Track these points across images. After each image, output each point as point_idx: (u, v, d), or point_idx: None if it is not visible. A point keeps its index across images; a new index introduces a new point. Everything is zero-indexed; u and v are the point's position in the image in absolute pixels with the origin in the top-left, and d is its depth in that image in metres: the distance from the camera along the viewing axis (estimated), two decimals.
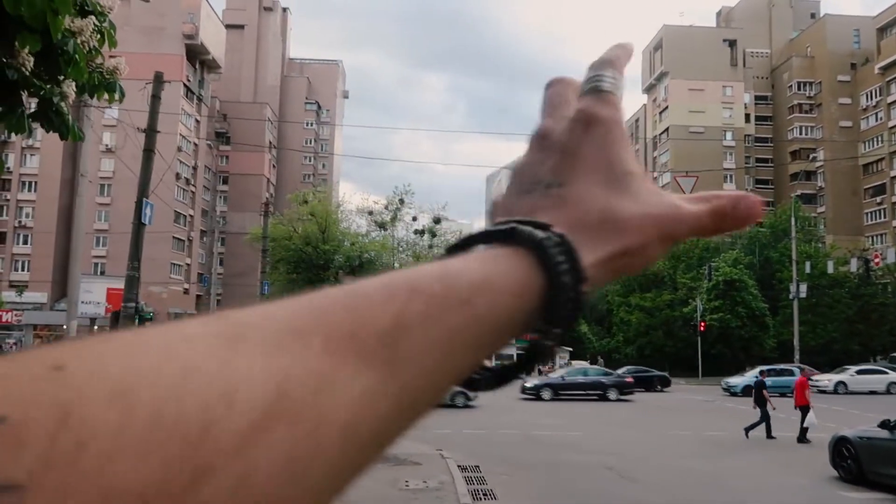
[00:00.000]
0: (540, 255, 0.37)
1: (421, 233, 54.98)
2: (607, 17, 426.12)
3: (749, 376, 33.83)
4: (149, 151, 20.16)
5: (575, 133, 0.44)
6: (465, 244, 0.40)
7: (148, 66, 20.31)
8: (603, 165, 0.43)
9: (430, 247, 54.94)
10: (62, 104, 4.88)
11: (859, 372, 35.05)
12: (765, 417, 16.91)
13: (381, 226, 54.36)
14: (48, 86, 4.87)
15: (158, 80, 20.88)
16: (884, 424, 10.85)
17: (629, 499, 9.65)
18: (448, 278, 0.34)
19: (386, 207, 54.88)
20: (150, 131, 20.26)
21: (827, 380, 34.67)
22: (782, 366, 36.35)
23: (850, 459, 11.25)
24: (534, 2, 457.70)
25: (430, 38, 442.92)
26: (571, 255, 0.37)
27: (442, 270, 0.35)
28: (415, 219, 54.87)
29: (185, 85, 67.69)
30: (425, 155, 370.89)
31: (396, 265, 54.29)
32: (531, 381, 30.59)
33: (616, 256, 0.41)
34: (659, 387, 36.89)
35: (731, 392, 34.34)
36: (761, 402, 17.48)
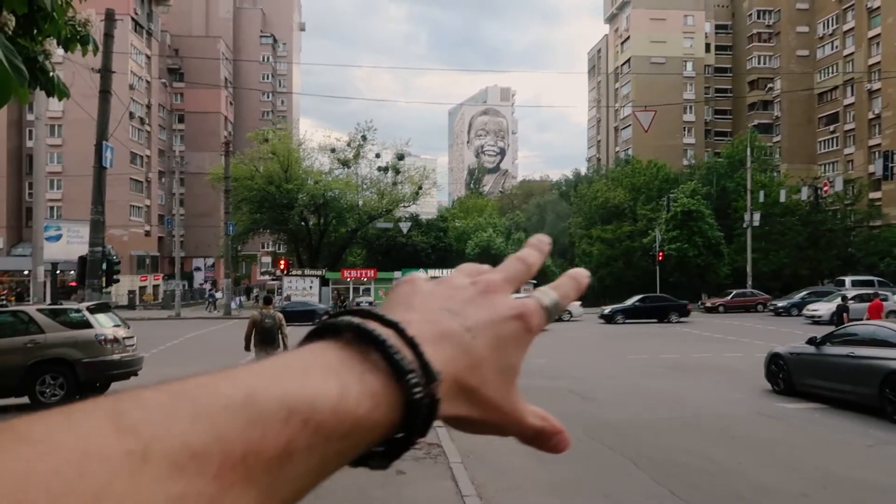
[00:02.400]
0: (400, 380, 0.42)
1: (385, 170, 54.83)
2: None
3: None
4: (105, 93, 19.83)
5: (508, 312, 0.50)
6: (330, 328, 0.45)
7: None
8: (506, 350, 0.49)
9: (395, 184, 54.96)
10: (46, 62, 5.07)
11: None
12: None
13: (345, 163, 54.00)
14: (31, 44, 5.05)
15: (110, 18, 20.31)
16: (811, 341, 11.90)
17: (591, 417, 10.52)
18: (328, 406, 0.38)
19: (348, 144, 54.39)
20: (105, 72, 19.86)
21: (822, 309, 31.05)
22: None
23: (782, 373, 12.35)
24: None
25: None
26: (429, 376, 0.43)
27: (317, 389, 0.39)
28: (378, 155, 54.64)
29: (133, 19, 64.76)
30: (387, 88, 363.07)
31: (360, 202, 54.32)
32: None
33: (459, 416, 0.47)
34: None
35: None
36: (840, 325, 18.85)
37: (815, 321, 30.45)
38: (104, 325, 11.86)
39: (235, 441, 0.34)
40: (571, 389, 13.21)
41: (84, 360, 11.30)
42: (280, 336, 10.89)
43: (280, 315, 11.20)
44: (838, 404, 10.88)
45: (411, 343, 0.43)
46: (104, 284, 18.97)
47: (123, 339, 12.00)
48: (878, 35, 68.35)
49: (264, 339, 10.76)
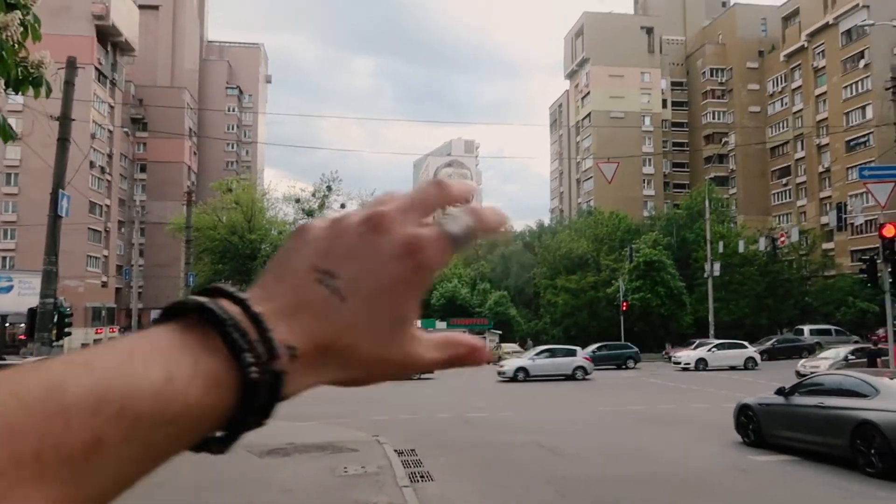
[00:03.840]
0: (233, 351, 0.39)
1: None
2: (534, 2, 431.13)
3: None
4: (63, 140, 19.39)
5: (393, 251, 0.45)
6: (177, 310, 0.42)
7: (55, 48, 19.17)
8: (390, 299, 0.44)
9: None
10: None
11: (719, 347, 35.45)
12: None
13: (309, 213, 53.65)
14: None
15: (72, 66, 20.02)
16: (779, 391, 11.85)
17: (560, 473, 10.19)
18: (149, 393, 0.36)
19: (313, 195, 54.20)
20: (65, 119, 19.47)
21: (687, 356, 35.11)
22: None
23: (752, 425, 12.23)
24: None
25: (356, 21, 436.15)
26: (271, 352, 0.40)
27: (136, 377, 0.36)
28: (343, 206, 54.46)
29: (96, 69, 64.39)
30: (353, 140, 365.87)
31: None
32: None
33: (336, 380, 0.45)
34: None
35: None
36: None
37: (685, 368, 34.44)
38: None
39: (27, 437, 0.32)
40: (540, 443, 12.88)
41: None
42: None
43: None
44: (809, 456, 10.76)
45: (255, 319, 0.41)
46: (55, 338, 18.16)
47: None
48: (825, 93, 71.67)
49: None
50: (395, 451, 11.72)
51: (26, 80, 5.71)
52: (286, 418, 16.71)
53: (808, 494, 8.80)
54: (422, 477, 9.94)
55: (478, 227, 0.47)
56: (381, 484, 9.20)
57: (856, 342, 44.43)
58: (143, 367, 0.37)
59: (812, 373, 24.99)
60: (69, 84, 19.55)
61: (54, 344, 18.70)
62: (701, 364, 33.65)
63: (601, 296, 53.84)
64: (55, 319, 17.62)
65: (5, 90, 5.43)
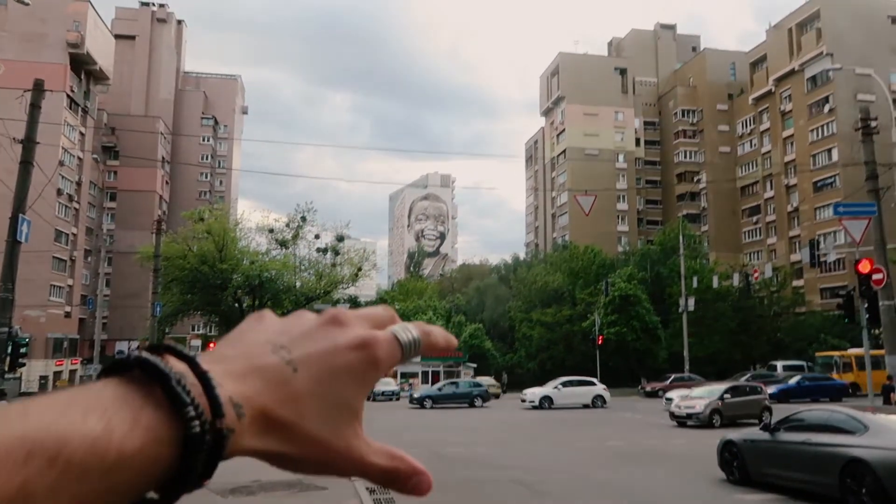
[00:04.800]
0: (175, 405, 0.39)
1: (324, 251, 53.85)
2: (509, 43, 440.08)
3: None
4: (26, 164, 18.77)
5: (347, 342, 0.47)
6: (120, 365, 0.41)
7: (27, 74, 18.82)
8: (339, 384, 0.46)
9: (333, 265, 53.94)
10: None
11: (565, 384, 34.55)
12: None
13: (283, 244, 52.81)
14: None
15: (39, 89, 19.55)
16: (765, 427, 11.53)
17: None
18: (85, 443, 0.35)
19: (287, 225, 53.38)
20: (28, 143, 18.90)
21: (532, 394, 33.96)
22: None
23: (737, 462, 11.86)
24: (440, 27, 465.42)
25: (335, 57, 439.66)
26: (215, 409, 0.40)
27: (72, 426, 0.35)
28: (317, 237, 53.71)
29: (68, 95, 63.54)
30: (329, 173, 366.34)
31: (298, 284, 52.89)
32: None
33: (274, 452, 0.44)
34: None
35: None
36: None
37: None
38: None
39: None
40: (519, 481, 12.36)
41: None
42: None
43: None
44: (797, 494, 10.41)
45: (202, 377, 0.41)
46: (8, 368, 17.28)
47: None
48: (792, 135, 73.53)
49: None
50: (367, 489, 11.11)
51: None
52: None
53: None
54: None
55: (425, 342, 0.52)
56: None
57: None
58: (81, 416, 0.36)
59: (688, 414, 22.86)
60: (35, 107, 19.02)
61: (7, 376, 17.80)
62: (546, 402, 32.94)
63: (577, 330, 53.63)
64: (9, 349, 16.78)
65: None
